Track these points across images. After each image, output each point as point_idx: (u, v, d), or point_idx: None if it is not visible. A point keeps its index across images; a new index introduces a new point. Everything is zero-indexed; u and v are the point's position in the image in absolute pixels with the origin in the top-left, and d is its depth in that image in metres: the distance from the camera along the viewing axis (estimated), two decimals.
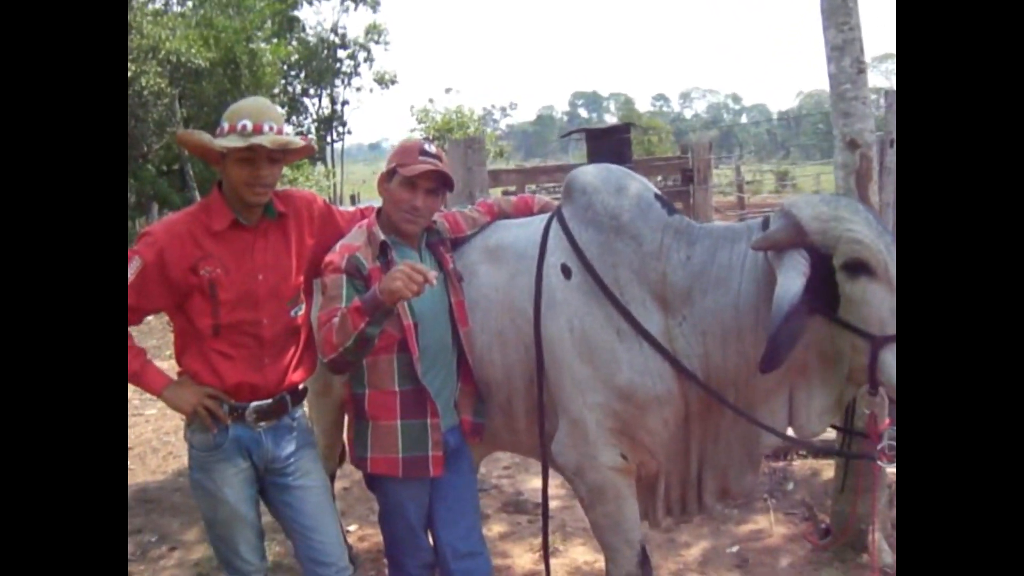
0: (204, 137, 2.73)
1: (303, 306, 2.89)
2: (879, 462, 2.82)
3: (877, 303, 2.58)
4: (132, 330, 2.75)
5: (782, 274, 2.60)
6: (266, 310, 2.77)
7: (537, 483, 5.31)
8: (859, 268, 2.59)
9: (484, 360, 3.12)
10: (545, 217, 3.21)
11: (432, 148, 2.95)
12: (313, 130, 35.85)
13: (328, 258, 2.85)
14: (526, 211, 3.39)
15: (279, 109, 2.84)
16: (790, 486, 5.07)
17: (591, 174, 3.14)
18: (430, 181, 2.89)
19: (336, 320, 2.69)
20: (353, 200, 19.73)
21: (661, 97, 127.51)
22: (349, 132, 40.32)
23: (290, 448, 2.87)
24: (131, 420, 7.41)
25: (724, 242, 2.90)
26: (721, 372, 2.87)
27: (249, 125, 2.65)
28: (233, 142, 2.65)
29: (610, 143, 8.43)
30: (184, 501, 5.38)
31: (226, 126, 2.69)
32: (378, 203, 3.08)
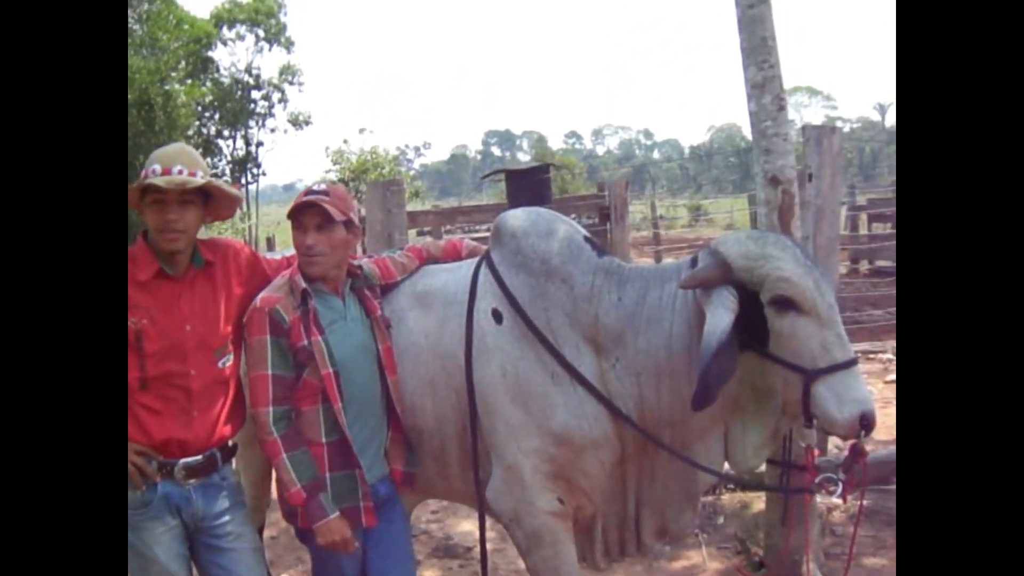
0: None
1: (231, 356, 2.82)
2: (818, 495, 2.84)
3: (806, 338, 2.62)
4: None
5: (710, 311, 2.63)
6: (194, 361, 2.71)
7: (467, 526, 5.28)
8: (787, 304, 2.63)
9: (415, 408, 3.06)
10: (473, 262, 3.19)
11: (321, 186, 2.90)
12: (228, 172, 35.28)
13: (249, 314, 2.82)
14: (455, 255, 3.36)
15: (197, 154, 2.79)
16: (720, 520, 5.10)
17: (520, 218, 3.13)
18: (312, 217, 2.84)
19: (287, 460, 2.76)
20: (269, 243, 19.41)
21: (573, 134, 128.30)
22: (264, 173, 39.81)
23: (221, 506, 2.79)
24: None
25: (655, 282, 2.91)
26: (656, 412, 2.88)
27: (159, 169, 2.65)
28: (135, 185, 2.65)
29: (530, 183, 8.47)
30: None
31: (142, 172, 2.67)
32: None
